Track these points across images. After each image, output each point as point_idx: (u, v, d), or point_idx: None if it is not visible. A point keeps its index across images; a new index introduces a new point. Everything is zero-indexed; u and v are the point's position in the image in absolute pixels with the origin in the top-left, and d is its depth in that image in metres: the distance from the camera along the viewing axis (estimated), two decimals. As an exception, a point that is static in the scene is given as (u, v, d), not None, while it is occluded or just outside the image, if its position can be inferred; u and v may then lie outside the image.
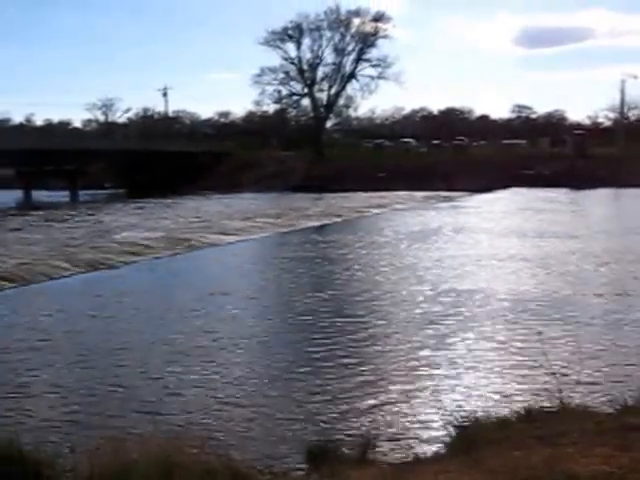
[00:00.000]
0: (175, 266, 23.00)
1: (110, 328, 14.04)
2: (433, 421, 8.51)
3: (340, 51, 72.95)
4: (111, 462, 5.22)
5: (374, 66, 72.73)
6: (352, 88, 74.15)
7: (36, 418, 8.87)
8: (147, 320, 14.79)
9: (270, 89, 73.54)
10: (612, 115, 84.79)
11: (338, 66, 73.21)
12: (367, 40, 72.59)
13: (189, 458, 5.35)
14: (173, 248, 25.58)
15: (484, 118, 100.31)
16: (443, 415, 8.45)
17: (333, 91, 73.73)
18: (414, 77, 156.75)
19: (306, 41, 72.80)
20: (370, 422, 8.56)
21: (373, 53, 72.80)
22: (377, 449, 6.46)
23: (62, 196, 53.15)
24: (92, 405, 9.48)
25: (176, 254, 24.74)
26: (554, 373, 7.55)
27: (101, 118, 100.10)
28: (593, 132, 73.32)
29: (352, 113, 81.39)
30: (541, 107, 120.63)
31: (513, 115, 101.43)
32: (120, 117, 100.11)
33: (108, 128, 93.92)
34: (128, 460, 5.26)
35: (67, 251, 23.64)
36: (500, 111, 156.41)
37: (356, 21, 72.69)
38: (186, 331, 13.47)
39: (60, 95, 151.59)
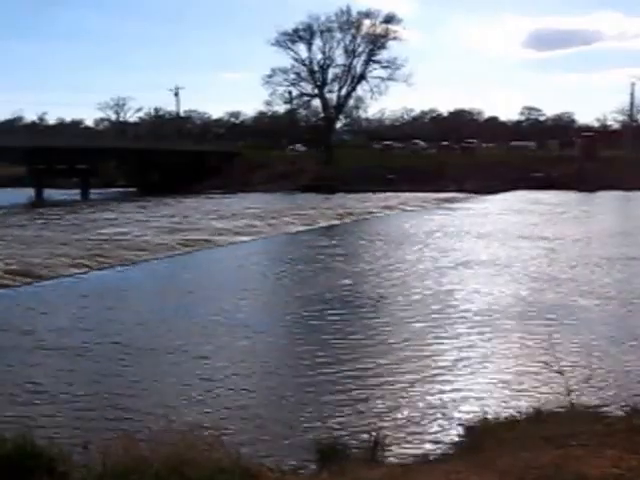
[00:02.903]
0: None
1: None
2: (441, 421, 8.51)
3: (350, 52, 72.97)
4: (123, 459, 5.27)
5: (384, 67, 72.75)
6: (362, 89, 74.17)
7: None
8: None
9: (281, 90, 73.68)
10: (621, 118, 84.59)
11: (348, 67, 73.22)
12: (377, 42, 72.53)
13: (200, 455, 5.40)
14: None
15: (493, 120, 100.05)
16: (451, 415, 8.48)
17: (343, 92, 73.69)
18: (423, 78, 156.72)
19: (317, 42, 72.83)
20: (379, 422, 8.56)
21: (383, 55, 72.88)
22: (386, 448, 6.47)
23: (74, 194, 53.27)
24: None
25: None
26: (562, 374, 7.53)
27: (113, 117, 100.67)
28: (602, 135, 73.01)
29: (362, 114, 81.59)
30: (549, 109, 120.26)
31: (522, 117, 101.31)
32: (132, 116, 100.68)
33: (120, 127, 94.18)
34: (140, 457, 5.30)
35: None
36: (509, 113, 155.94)
37: (366, 23, 72.73)
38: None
39: (72, 94, 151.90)
